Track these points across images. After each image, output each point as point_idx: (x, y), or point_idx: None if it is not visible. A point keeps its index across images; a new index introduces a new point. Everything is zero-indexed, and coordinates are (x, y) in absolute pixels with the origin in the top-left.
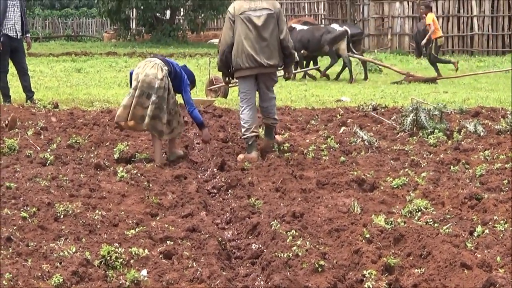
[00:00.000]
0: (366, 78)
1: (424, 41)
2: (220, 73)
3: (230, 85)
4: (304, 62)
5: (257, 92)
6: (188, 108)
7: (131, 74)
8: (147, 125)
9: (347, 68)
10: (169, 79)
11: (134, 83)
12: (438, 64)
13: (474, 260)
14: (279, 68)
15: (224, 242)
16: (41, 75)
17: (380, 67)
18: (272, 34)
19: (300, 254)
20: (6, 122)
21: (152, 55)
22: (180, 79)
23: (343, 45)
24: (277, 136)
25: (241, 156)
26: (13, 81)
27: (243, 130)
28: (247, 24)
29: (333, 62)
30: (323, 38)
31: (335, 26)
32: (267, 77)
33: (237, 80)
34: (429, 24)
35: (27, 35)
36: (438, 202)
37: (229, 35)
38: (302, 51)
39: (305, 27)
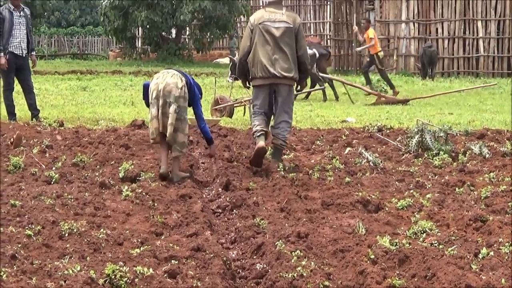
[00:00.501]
0: (336, 98)
1: (359, 49)
2: (223, 92)
3: (236, 104)
4: None
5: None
6: (200, 123)
7: (145, 86)
8: (169, 137)
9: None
10: (187, 89)
11: (154, 93)
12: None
13: (479, 282)
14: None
15: (228, 262)
16: (46, 93)
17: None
18: (289, 47)
19: (304, 274)
20: (12, 140)
21: (166, 68)
22: (193, 92)
23: (321, 66)
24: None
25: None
26: (18, 99)
27: (253, 132)
28: (264, 35)
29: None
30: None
31: (316, 47)
32: (282, 92)
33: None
34: (371, 38)
35: (32, 53)
36: (443, 224)
37: (247, 44)
38: None
39: None
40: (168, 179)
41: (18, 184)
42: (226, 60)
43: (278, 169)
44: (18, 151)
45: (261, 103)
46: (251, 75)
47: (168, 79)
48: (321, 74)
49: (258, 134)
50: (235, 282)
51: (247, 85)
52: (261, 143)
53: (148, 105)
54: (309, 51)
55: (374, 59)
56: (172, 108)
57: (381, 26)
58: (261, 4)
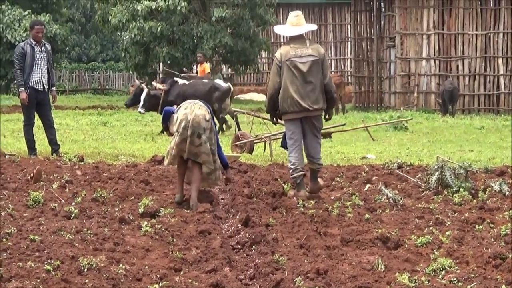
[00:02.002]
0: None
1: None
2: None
3: (256, 140)
4: None
5: None
6: (217, 150)
7: (166, 112)
8: (200, 159)
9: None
10: (212, 121)
11: (183, 123)
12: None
13: None
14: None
15: None
16: (67, 128)
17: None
18: (317, 79)
19: None
20: (32, 174)
21: (191, 100)
22: (211, 115)
23: (227, 101)
24: (319, 179)
25: (291, 192)
26: (39, 134)
27: (290, 171)
28: (293, 70)
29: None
30: (214, 96)
31: (219, 81)
32: (312, 120)
33: (282, 122)
34: (208, 73)
35: (53, 89)
36: (462, 261)
37: (276, 80)
38: None
39: (186, 82)
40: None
41: (37, 219)
42: (247, 96)
43: (298, 206)
44: (38, 186)
45: (295, 136)
46: (282, 110)
47: (196, 110)
48: (235, 109)
49: (298, 180)
50: None
51: (275, 120)
52: (302, 193)
53: (165, 128)
54: (225, 84)
55: None
56: (202, 139)
57: (402, 63)
58: (282, 39)
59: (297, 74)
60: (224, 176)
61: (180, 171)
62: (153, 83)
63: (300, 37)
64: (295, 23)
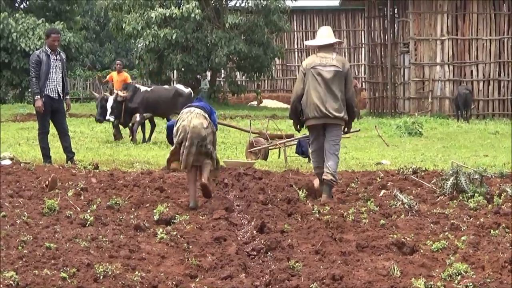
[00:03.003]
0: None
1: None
2: (258, 136)
3: (270, 147)
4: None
5: None
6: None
7: (169, 127)
8: (205, 163)
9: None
10: (211, 122)
11: (181, 135)
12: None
13: None
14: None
15: None
16: (81, 136)
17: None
18: (339, 89)
19: None
20: (47, 182)
21: (187, 106)
22: (210, 114)
23: None
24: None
25: (316, 182)
26: (53, 142)
27: (314, 169)
28: (316, 78)
29: None
30: (179, 101)
31: (181, 87)
32: (333, 129)
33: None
34: (129, 82)
35: (67, 97)
36: (478, 266)
37: (300, 87)
38: (145, 114)
39: (149, 88)
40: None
41: (53, 226)
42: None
43: (313, 212)
44: (53, 193)
45: (317, 142)
46: (305, 116)
47: (194, 120)
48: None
49: (317, 171)
50: None
51: (298, 127)
52: (315, 182)
53: (171, 143)
54: (186, 90)
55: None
56: (202, 145)
57: (416, 68)
58: (296, 46)
59: (320, 81)
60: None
61: (191, 178)
62: (114, 91)
63: (328, 49)
64: (326, 35)
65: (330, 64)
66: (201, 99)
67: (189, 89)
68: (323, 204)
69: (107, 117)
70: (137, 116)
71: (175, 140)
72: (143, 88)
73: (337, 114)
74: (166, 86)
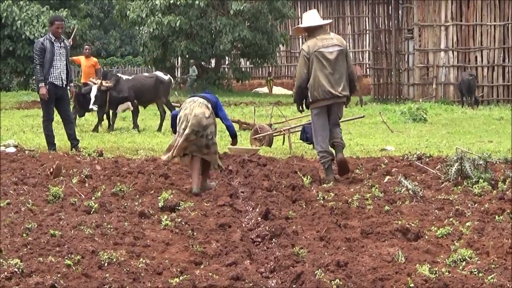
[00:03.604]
0: (160, 129)
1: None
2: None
3: (275, 133)
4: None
5: None
6: (225, 122)
7: (173, 117)
8: (207, 157)
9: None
10: (213, 112)
11: (183, 124)
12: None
13: None
14: None
15: None
16: (86, 123)
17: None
18: (342, 67)
19: None
20: (51, 170)
21: (190, 96)
22: (219, 109)
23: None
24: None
25: (322, 175)
26: (58, 129)
27: (319, 157)
28: (321, 60)
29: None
30: (160, 89)
31: (160, 74)
32: (338, 107)
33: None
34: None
35: (70, 85)
36: (482, 252)
37: (304, 71)
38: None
39: (130, 77)
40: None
41: (57, 214)
42: (265, 89)
43: (318, 198)
44: (58, 181)
45: (323, 123)
46: (313, 99)
47: (196, 109)
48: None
49: (327, 165)
50: None
51: (301, 109)
52: (331, 176)
53: (175, 132)
54: (166, 77)
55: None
56: (204, 136)
57: (420, 54)
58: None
59: (326, 63)
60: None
61: (194, 166)
62: (92, 79)
63: (324, 30)
64: (316, 17)
65: (332, 44)
66: (209, 91)
67: (169, 76)
68: (343, 162)
69: (91, 106)
70: (130, 106)
71: (177, 129)
72: (124, 77)
73: (344, 93)
74: (146, 74)
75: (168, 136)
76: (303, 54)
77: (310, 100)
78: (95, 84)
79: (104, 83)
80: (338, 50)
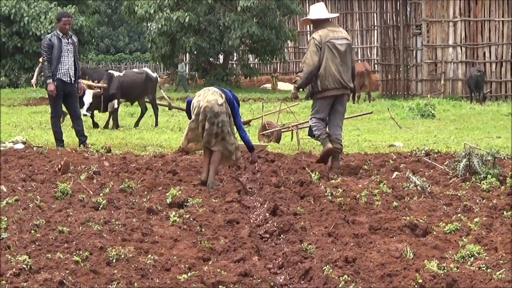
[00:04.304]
0: (157, 124)
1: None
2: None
3: (283, 129)
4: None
5: None
6: (240, 133)
7: (188, 103)
8: (218, 146)
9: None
10: (228, 104)
11: (195, 110)
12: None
13: None
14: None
15: (276, 287)
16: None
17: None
18: (350, 60)
19: None
20: (59, 166)
21: (206, 88)
22: (232, 105)
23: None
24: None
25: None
26: (66, 126)
27: (316, 135)
28: (333, 51)
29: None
30: (149, 86)
31: (149, 71)
32: (344, 99)
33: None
34: None
35: (79, 81)
36: (491, 248)
37: (315, 59)
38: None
39: (121, 73)
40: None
41: (65, 210)
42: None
43: (326, 194)
44: (66, 177)
45: (324, 112)
46: (322, 87)
47: (209, 96)
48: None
49: (324, 137)
50: None
51: (297, 95)
52: (329, 145)
53: (190, 118)
54: (154, 74)
55: None
56: (215, 123)
57: (428, 50)
58: (308, 28)
59: (337, 54)
60: (250, 159)
61: (205, 154)
62: (85, 81)
63: (332, 23)
64: (325, 11)
65: (342, 37)
66: (229, 89)
67: (156, 74)
68: (336, 169)
69: (84, 112)
70: (115, 103)
71: (192, 115)
72: (116, 73)
73: (350, 85)
74: (136, 70)
75: (176, 132)
76: (314, 43)
77: (320, 89)
78: (93, 88)
79: (100, 85)
80: (347, 44)
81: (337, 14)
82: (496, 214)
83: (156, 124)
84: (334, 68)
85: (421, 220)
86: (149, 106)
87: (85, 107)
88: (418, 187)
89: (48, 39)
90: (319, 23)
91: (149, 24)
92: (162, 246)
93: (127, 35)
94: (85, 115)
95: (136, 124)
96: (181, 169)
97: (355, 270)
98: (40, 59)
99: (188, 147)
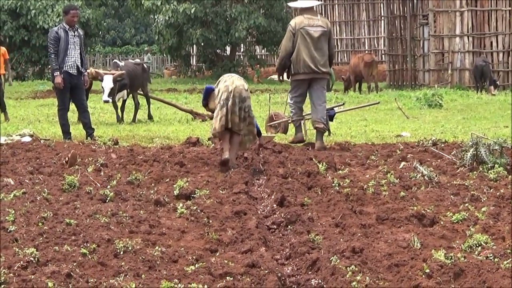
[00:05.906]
0: (150, 117)
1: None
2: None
3: (290, 120)
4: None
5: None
6: None
7: (208, 89)
8: (244, 130)
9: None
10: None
11: (224, 94)
12: None
13: None
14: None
15: (283, 278)
16: (101, 111)
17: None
18: (324, 47)
19: None
20: (67, 158)
21: (227, 74)
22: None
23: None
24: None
25: (290, 139)
26: (73, 118)
27: (292, 117)
28: (305, 37)
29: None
30: (144, 76)
31: (143, 62)
32: (319, 83)
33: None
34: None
35: (85, 74)
36: (498, 237)
37: (289, 45)
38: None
39: (122, 63)
40: (227, 165)
41: (73, 202)
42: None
43: (333, 185)
44: (73, 170)
45: (298, 92)
46: (294, 71)
47: (236, 81)
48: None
49: (297, 124)
50: None
51: (281, 79)
52: (299, 135)
53: (205, 105)
54: (146, 66)
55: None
56: (243, 108)
57: (436, 40)
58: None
59: (309, 40)
60: (257, 142)
61: (224, 136)
62: (92, 70)
63: (311, 10)
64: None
65: (317, 25)
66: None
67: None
68: (321, 149)
69: (106, 97)
70: (125, 94)
71: (216, 101)
72: (120, 64)
73: (324, 70)
74: (132, 61)
75: (183, 124)
76: (289, 29)
77: (292, 73)
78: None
79: (119, 72)
80: (322, 31)
81: (319, 2)
82: (504, 203)
83: (149, 117)
84: (305, 54)
85: (428, 210)
86: (141, 99)
87: (106, 92)
88: (425, 177)
89: (54, 31)
90: (301, 11)
91: (156, 16)
92: (170, 238)
93: (133, 27)
94: (106, 101)
95: (133, 120)
96: (189, 160)
97: (362, 261)
98: None
99: (220, 133)
